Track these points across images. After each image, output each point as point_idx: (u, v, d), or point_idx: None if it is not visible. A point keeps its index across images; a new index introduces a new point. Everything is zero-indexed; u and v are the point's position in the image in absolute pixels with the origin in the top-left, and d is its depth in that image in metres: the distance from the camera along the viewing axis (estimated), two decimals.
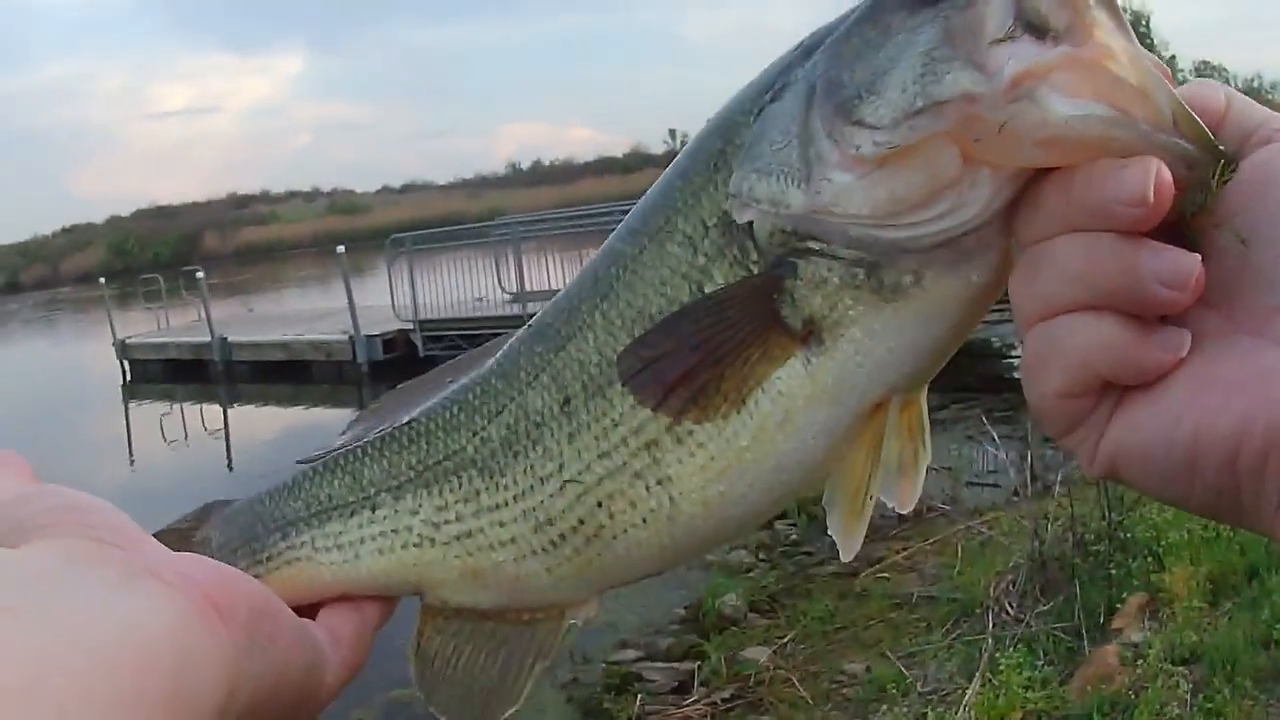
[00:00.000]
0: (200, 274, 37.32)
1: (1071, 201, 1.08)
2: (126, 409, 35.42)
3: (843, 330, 1.29)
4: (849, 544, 1.38)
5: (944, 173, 1.18)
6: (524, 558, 1.52)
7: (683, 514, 1.41)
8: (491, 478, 1.53)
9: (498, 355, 1.60)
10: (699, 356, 1.32)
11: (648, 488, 1.42)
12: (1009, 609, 9.90)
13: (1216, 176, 1.07)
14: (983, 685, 8.85)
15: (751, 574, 12.90)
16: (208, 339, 36.05)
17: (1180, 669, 8.25)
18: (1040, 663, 9.01)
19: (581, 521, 1.47)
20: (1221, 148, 1.08)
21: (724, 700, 10.48)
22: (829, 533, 1.39)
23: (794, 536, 13.92)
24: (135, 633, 0.97)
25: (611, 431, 1.43)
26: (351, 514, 1.63)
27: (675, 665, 11.23)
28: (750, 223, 1.32)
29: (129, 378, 38.53)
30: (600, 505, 1.45)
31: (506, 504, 1.52)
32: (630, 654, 11.62)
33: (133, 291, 49.83)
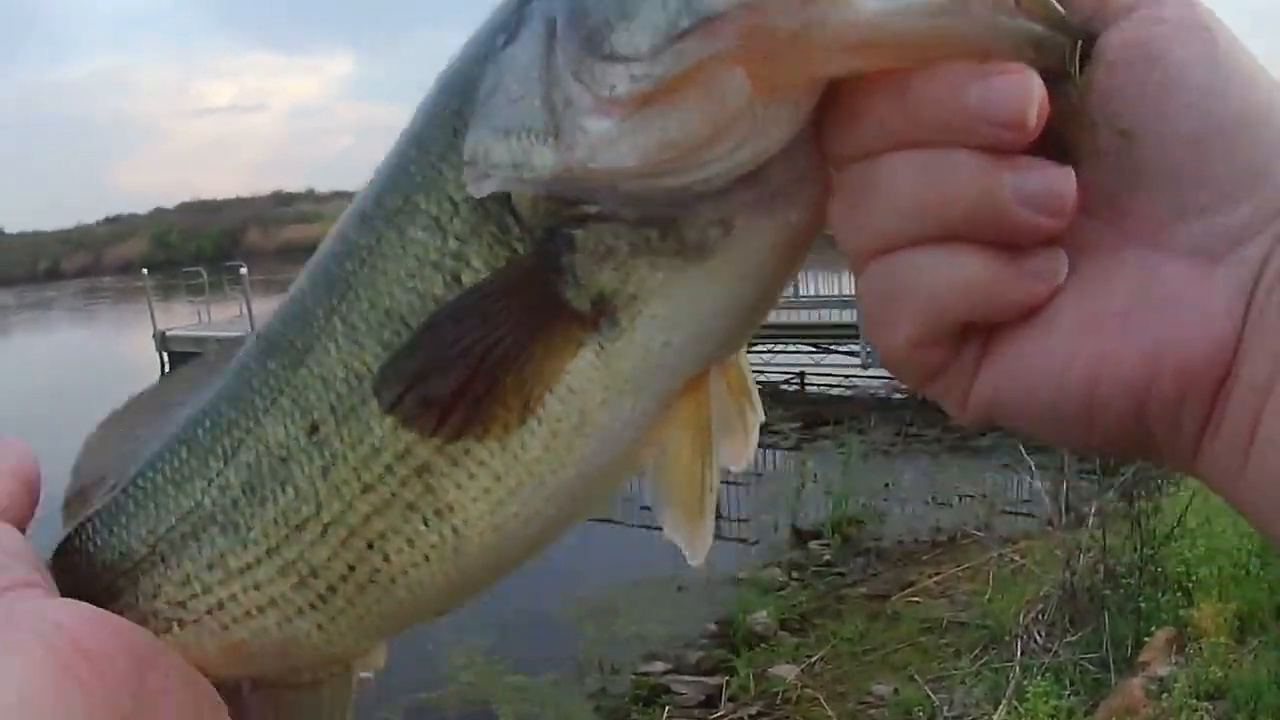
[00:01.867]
0: (244, 269, 37.32)
1: (910, 114, 0.88)
2: None
3: (641, 305, 1.06)
4: (696, 545, 1.16)
5: (728, 103, 0.95)
6: (290, 619, 1.28)
7: (471, 544, 1.19)
8: (237, 533, 1.28)
9: (225, 376, 1.35)
10: (469, 366, 1.10)
11: (425, 521, 1.19)
12: (1037, 638, 9.91)
13: (1075, 63, 0.88)
14: (1008, 713, 8.87)
15: (783, 592, 12.91)
16: (248, 334, 35.55)
17: (1204, 704, 8.24)
18: (1066, 692, 9.02)
19: (352, 568, 1.24)
20: (1076, 26, 0.88)
21: (751, 716, 10.55)
22: (667, 536, 1.17)
23: (827, 557, 13.95)
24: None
25: (373, 460, 1.18)
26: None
27: (704, 679, 11.24)
28: (507, 196, 1.08)
29: (167, 370, 38.63)
30: (371, 547, 1.22)
31: (260, 561, 1.27)
32: (659, 666, 11.62)
33: (175, 284, 49.92)
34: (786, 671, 10.89)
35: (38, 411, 33.84)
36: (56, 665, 0.99)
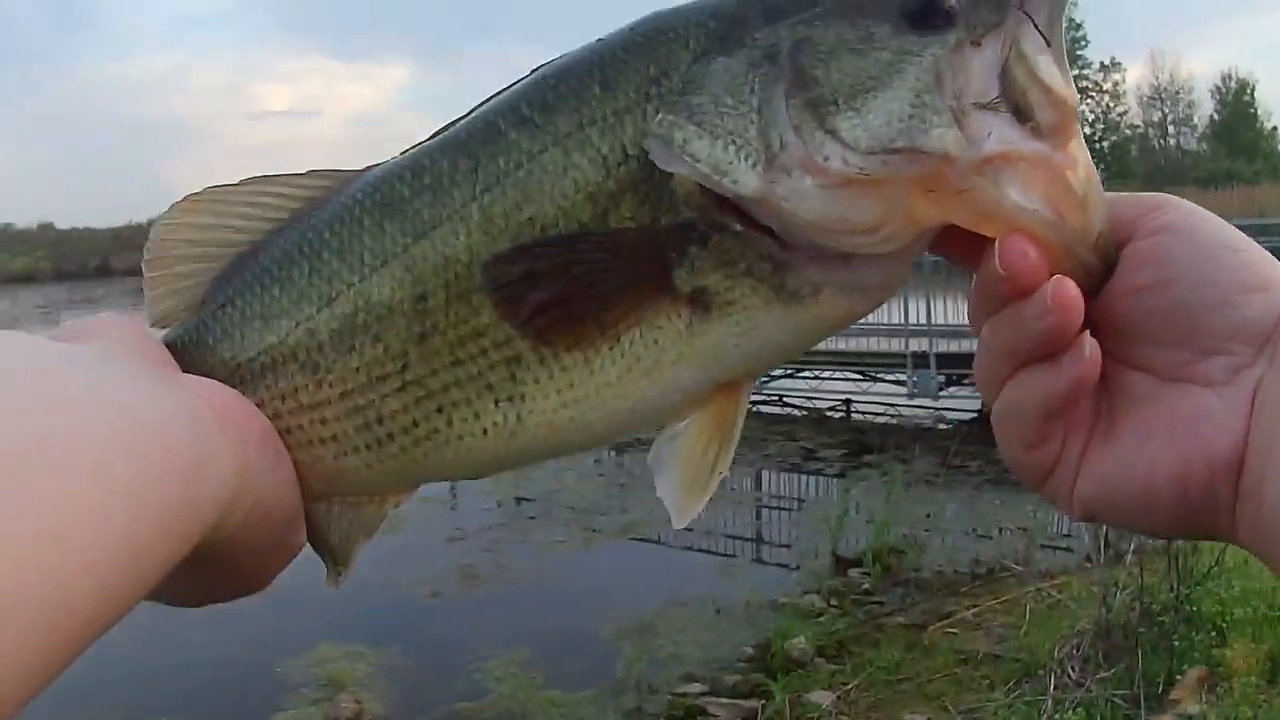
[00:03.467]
0: None
1: (999, 328, 1.21)
2: None
3: (731, 312, 1.27)
4: (684, 512, 1.32)
5: (893, 211, 1.20)
6: (345, 454, 1.40)
7: (526, 432, 1.35)
8: (315, 374, 1.39)
9: (329, 220, 1.43)
10: (581, 286, 1.27)
11: (497, 402, 1.34)
12: (1071, 673, 9.87)
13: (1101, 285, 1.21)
14: None
15: (822, 619, 12.85)
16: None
17: None
18: None
19: (415, 424, 1.37)
20: (1115, 261, 1.21)
21: None
22: (658, 495, 1.34)
23: (866, 586, 13.92)
24: (159, 421, 1.07)
25: (471, 341, 1.32)
26: None
27: (739, 702, 11.19)
28: (670, 173, 1.26)
29: None
30: (440, 411, 1.36)
31: (331, 401, 1.39)
32: (696, 688, 11.60)
33: None
34: (822, 698, 10.86)
35: None
36: (212, 414, 1.16)
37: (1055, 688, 9.74)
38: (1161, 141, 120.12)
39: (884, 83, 1.21)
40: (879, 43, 1.23)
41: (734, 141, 1.24)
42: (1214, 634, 9.87)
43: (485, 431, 1.36)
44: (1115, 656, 9.84)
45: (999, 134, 1.17)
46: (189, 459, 1.07)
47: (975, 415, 22.30)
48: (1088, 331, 1.15)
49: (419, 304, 1.34)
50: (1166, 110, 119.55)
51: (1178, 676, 9.43)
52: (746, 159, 1.23)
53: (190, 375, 1.28)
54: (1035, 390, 1.20)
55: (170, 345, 1.42)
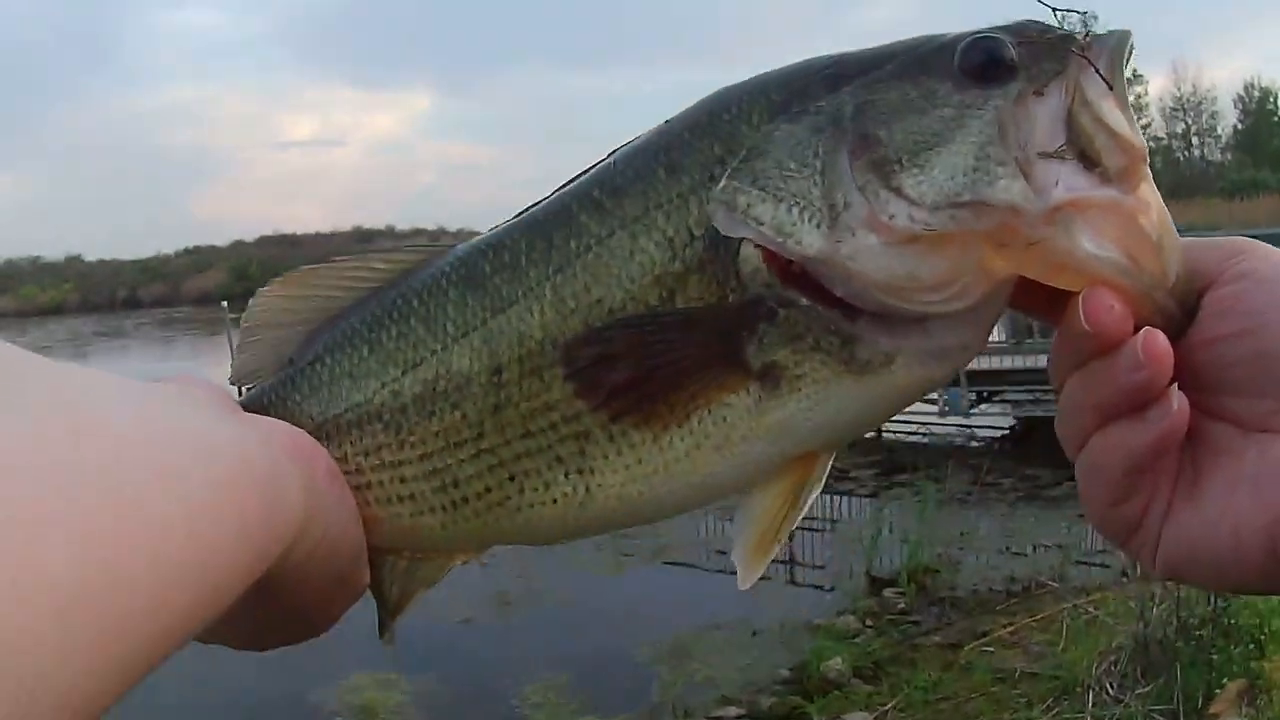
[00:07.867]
0: None
1: (1091, 388, 1.17)
2: None
3: (801, 386, 1.27)
4: (749, 575, 1.34)
5: (963, 267, 1.19)
6: (421, 513, 1.45)
7: (595, 503, 1.37)
8: (398, 434, 1.44)
9: (418, 289, 1.49)
10: (652, 367, 1.28)
11: (567, 474, 1.36)
12: (1109, 689, 9.83)
13: (1183, 330, 1.16)
14: None
15: (858, 640, 12.83)
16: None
17: None
18: None
19: (488, 490, 1.41)
20: (1195, 305, 1.17)
21: None
22: (730, 558, 1.36)
23: (902, 605, 13.87)
24: (236, 443, 1.09)
25: (542, 414, 1.36)
26: None
27: None
28: (736, 250, 1.27)
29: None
30: (512, 479, 1.39)
31: (411, 461, 1.44)
32: (732, 711, 11.57)
33: None
34: (859, 719, 10.87)
35: None
36: (282, 448, 1.19)
37: (1093, 705, 9.72)
38: (1185, 153, 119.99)
39: (947, 138, 1.21)
40: (941, 99, 1.24)
41: (797, 203, 1.24)
42: (1252, 646, 9.82)
43: (555, 501, 1.39)
44: (1153, 671, 9.80)
45: (1066, 182, 1.16)
46: (264, 476, 1.09)
47: (1007, 432, 22.31)
48: (1175, 384, 1.12)
49: (494, 376, 1.38)
50: (1190, 121, 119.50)
51: (1217, 690, 9.39)
52: (810, 220, 1.23)
53: (258, 415, 1.29)
54: (1121, 445, 1.16)
55: (255, 401, 1.52)
